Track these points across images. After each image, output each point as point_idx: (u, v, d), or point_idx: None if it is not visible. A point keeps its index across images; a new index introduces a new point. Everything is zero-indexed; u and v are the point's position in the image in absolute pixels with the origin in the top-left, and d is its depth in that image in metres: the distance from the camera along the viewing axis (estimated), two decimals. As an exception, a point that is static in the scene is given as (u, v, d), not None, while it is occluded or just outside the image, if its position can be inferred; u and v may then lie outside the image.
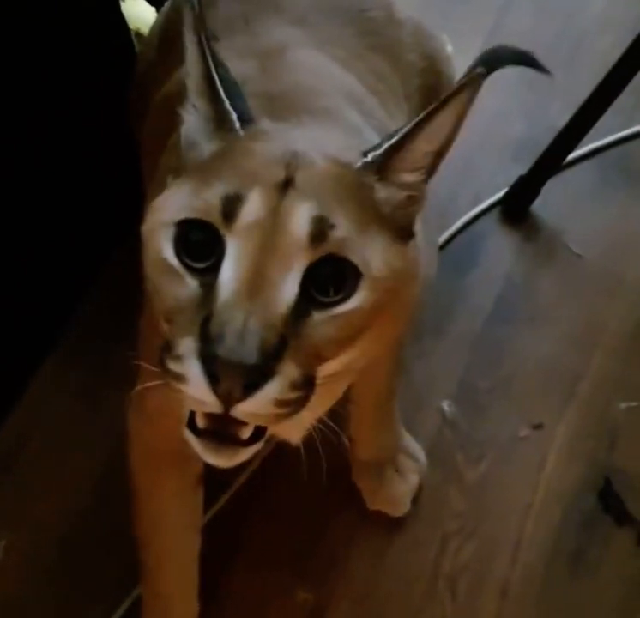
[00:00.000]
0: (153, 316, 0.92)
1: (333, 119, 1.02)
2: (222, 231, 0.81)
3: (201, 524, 1.31)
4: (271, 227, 0.80)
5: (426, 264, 1.09)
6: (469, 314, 1.66)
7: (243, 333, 0.76)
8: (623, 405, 1.59)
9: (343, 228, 0.81)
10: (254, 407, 0.78)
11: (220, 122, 0.88)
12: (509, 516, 1.50)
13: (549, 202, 1.76)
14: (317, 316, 0.81)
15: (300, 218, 0.80)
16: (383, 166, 0.86)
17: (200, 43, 0.85)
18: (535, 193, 1.74)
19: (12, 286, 1.48)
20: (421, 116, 0.83)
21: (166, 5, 1.40)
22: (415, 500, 1.48)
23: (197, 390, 0.78)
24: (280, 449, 1.17)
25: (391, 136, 0.85)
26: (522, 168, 1.74)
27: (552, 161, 1.72)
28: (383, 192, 0.86)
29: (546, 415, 1.58)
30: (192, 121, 0.90)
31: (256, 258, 0.79)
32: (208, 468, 1.25)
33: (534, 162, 1.71)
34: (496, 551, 1.47)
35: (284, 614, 1.42)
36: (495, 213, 1.77)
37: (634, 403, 1.59)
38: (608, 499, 1.52)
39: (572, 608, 1.43)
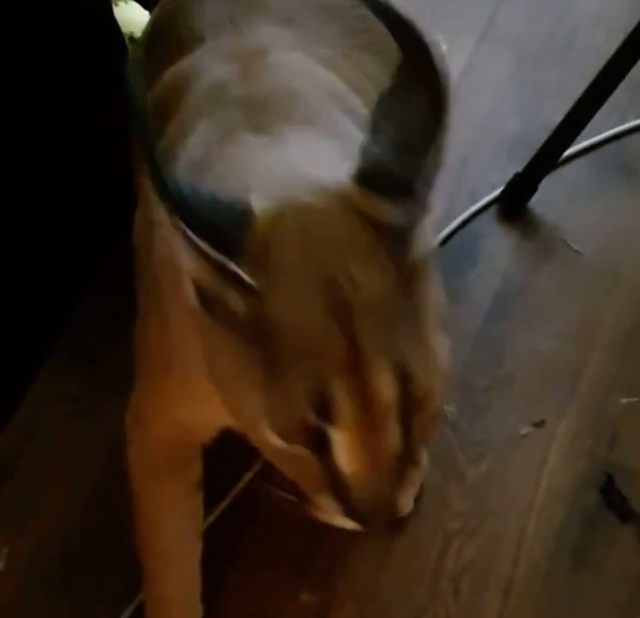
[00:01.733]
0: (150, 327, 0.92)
1: (315, 124, 1.00)
2: (319, 424, 0.80)
3: (201, 529, 1.30)
4: (363, 403, 0.79)
5: None
6: (468, 313, 1.66)
7: (376, 493, 0.81)
8: (623, 401, 1.59)
9: (418, 372, 0.80)
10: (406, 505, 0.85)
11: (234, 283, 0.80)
12: (511, 514, 1.49)
13: (546, 200, 1.76)
14: (418, 417, 0.83)
15: (385, 386, 0.79)
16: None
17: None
18: (532, 190, 1.74)
19: (10, 288, 1.48)
20: None
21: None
22: (417, 501, 1.48)
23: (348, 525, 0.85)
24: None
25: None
26: (517, 166, 1.74)
27: (548, 158, 1.71)
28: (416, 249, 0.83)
29: (547, 413, 1.57)
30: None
31: (363, 435, 0.80)
32: (208, 472, 1.25)
33: (530, 159, 1.71)
34: (498, 550, 1.47)
35: (287, 617, 1.42)
36: (492, 211, 1.76)
37: (634, 399, 1.59)
38: (611, 495, 1.51)
39: (576, 606, 1.43)
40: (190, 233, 0.76)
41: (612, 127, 1.83)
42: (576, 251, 1.73)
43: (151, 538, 1.27)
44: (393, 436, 0.81)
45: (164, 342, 1.07)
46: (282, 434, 0.81)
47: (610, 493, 1.51)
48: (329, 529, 0.87)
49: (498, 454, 1.53)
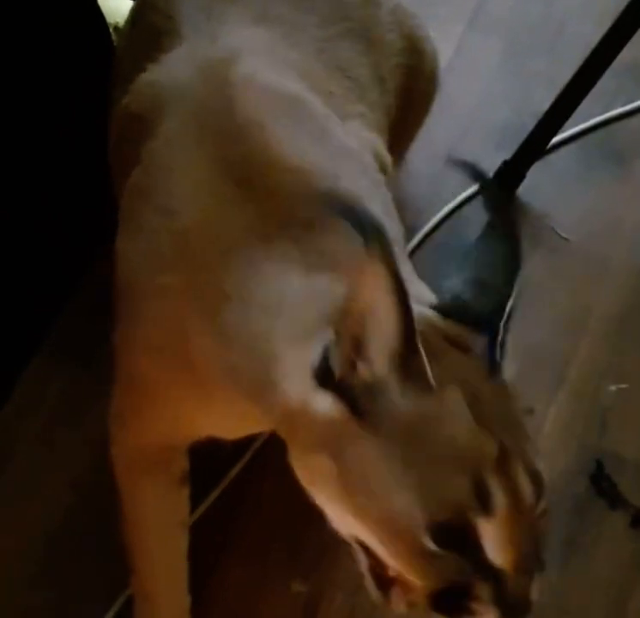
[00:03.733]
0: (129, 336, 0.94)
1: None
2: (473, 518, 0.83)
3: (188, 521, 1.30)
4: (514, 499, 0.83)
5: None
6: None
7: (518, 584, 0.84)
8: (613, 388, 1.59)
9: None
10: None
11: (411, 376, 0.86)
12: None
13: (534, 187, 1.75)
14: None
15: (527, 485, 0.85)
16: None
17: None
18: (520, 178, 1.74)
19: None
20: None
21: None
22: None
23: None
24: (272, 440, 1.17)
25: None
26: (506, 154, 1.73)
27: (535, 146, 1.71)
28: None
29: (536, 400, 1.57)
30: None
31: (514, 528, 0.83)
32: (196, 464, 1.25)
33: (517, 147, 1.71)
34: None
35: (278, 607, 1.42)
36: (480, 199, 1.76)
37: (624, 385, 1.59)
38: (600, 482, 1.52)
39: (566, 592, 1.43)
40: None
41: (600, 114, 1.83)
42: (564, 238, 1.73)
43: (135, 534, 1.26)
44: (535, 531, 0.85)
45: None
46: (434, 533, 0.83)
47: (600, 479, 1.52)
48: (319, 519, 0.87)
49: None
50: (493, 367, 0.91)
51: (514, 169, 1.73)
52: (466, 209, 1.76)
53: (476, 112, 1.84)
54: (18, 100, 1.40)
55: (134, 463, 1.21)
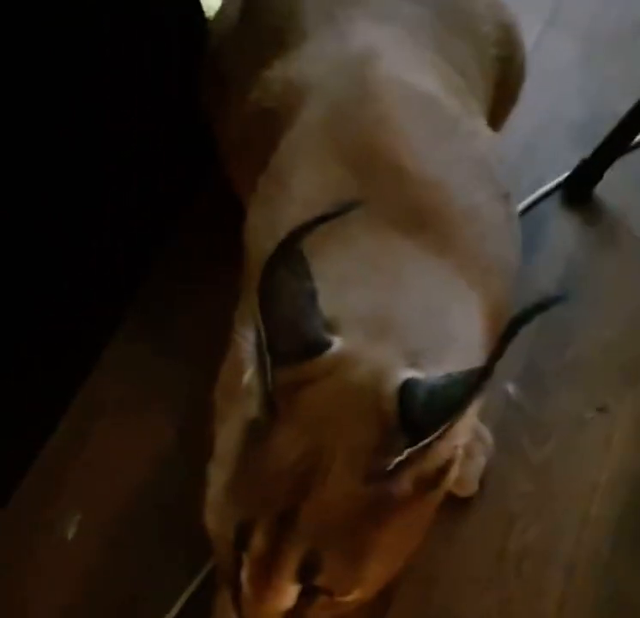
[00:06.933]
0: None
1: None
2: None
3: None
4: (269, 559, 0.86)
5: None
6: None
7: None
8: (684, 387, 1.60)
9: (331, 571, 0.85)
10: None
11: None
12: (574, 497, 1.51)
13: (611, 187, 1.76)
14: (320, 599, 0.89)
15: (290, 560, 0.85)
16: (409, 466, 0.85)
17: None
18: (598, 177, 1.74)
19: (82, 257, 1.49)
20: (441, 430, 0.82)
21: None
22: (482, 481, 1.49)
23: None
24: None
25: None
26: (584, 152, 1.74)
27: (615, 146, 1.71)
28: (407, 482, 0.86)
29: (610, 397, 1.58)
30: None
31: (260, 578, 0.87)
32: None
33: (597, 146, 1.71)
34: (561, 532, 1.48)
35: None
36: (557, 196, 1.77)
37: (695, 385, 1.60)
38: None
39: (637, 590, 1.44)
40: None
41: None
42: (639, 238, 1.73)
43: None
44: (285, 600, 0.87)
45: None
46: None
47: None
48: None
49: (562, 437, 1.55)
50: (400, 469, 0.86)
51: (592, 168, 1.74)
52: (540, 207, 1.76)
53: (554, 110, 1.84)
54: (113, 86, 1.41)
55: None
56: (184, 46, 1.49)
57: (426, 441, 0.82)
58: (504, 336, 0.77)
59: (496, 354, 0.78)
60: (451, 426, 0.81)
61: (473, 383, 0.80)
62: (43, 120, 1.27)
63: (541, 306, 0.79)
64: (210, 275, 1.59)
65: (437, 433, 0.81)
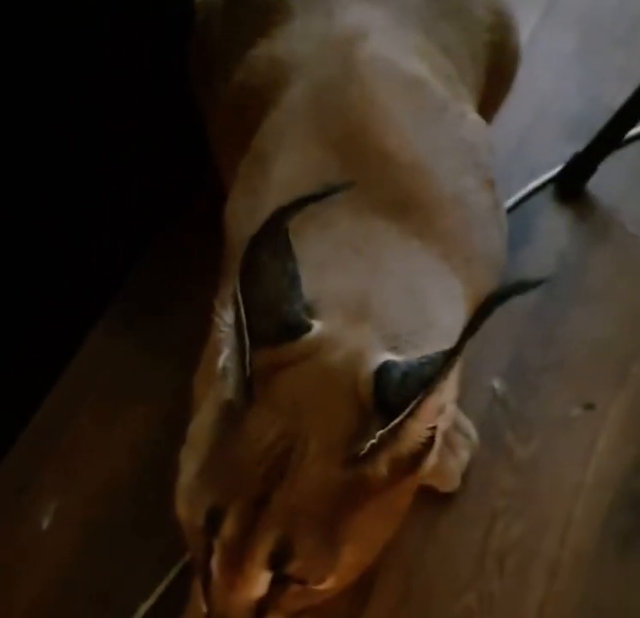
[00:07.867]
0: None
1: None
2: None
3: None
4: (240, 546, 0.84)
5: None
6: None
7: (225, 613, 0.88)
8: (676, 386, 1.58)
9: (304, 558, 0.84)
10: None
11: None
12: (559, 495, 1.48)
13: (604, 181, 1.73)
14: (293, 588, 0.87)
15: (262, 546, 0.83)
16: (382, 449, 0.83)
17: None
18: (591, 171, 1.72)
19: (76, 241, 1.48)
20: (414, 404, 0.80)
21: None
22: (465, 477, 1.47)
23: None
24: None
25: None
26: (577, 145, 1.72)
27: (608, 140, 1.69)
28: (382, 466, 0.85)
29: (598, 395, 1.56)
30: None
31: (231, 565, 0.85)
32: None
33: (590, 140, 1.69)
34: (545, 530, 1.46)
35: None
36: (550, 190, 1.75)
37: (688, 384, 1.58)
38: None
39: (621, 589, 1.42)
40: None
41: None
42: (632, 234, 1.71)
43: None
44: (255, 590, 0.86)
45: None
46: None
47: (659, 477, 1.51)
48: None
49: (547, 434, 1.53)
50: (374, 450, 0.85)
51: (585, 162, 1.71)
52: (532, 200, 1.74)
53: (548, 103, 1.82)
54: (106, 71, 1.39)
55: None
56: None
57: (397, 420, 0.80)
58: (477, 313, 0.75)
59: (468, 330, 0.76)
60: (420, 403, 0.79)
61: (442, 360, 0.78)
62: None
63: (519, 286, 0.76)
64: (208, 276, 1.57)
65: (406, 411, 0.80)
